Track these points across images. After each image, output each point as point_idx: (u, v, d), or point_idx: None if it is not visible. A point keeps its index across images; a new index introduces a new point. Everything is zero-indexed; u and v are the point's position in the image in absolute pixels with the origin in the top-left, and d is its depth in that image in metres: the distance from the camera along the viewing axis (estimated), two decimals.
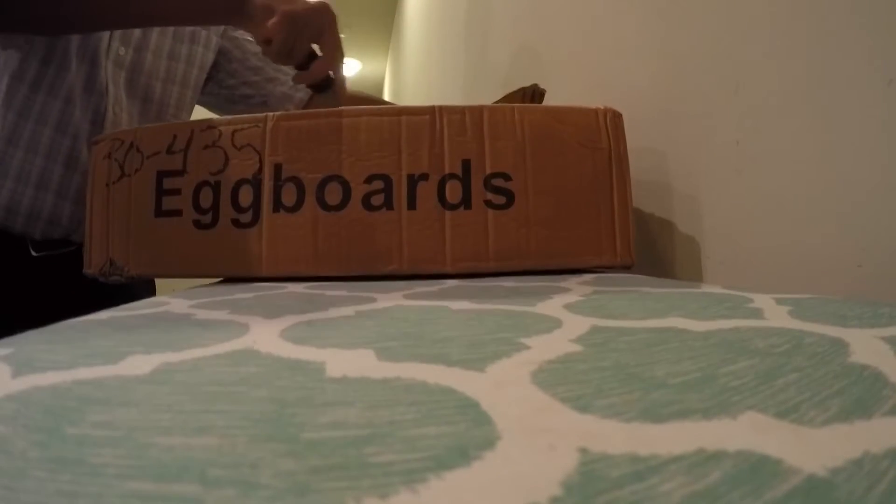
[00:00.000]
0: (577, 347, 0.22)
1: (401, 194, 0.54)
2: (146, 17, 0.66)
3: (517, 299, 0.35)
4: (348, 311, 0.32)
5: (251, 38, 0.89)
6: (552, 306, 0.32)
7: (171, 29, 0.79)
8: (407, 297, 0.38)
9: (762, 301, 0.31)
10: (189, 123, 0.57)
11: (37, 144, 0.67)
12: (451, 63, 2.02)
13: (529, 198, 0.54)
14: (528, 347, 0.22)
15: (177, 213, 0.55)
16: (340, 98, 0.68)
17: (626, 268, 0.56)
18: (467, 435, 0.13)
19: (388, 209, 0.53)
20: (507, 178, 0.54)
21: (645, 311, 0.29)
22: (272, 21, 0.60)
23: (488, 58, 1.45)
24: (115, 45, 0.72)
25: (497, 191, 0.54)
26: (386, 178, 0.54)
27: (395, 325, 0.27)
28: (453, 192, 0.54)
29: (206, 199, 0.55)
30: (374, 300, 0.36)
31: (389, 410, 0.15)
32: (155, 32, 0.77)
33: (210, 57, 0.86)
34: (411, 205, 0.53)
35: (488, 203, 0.54)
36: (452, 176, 0.54)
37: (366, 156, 0.54)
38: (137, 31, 0.75)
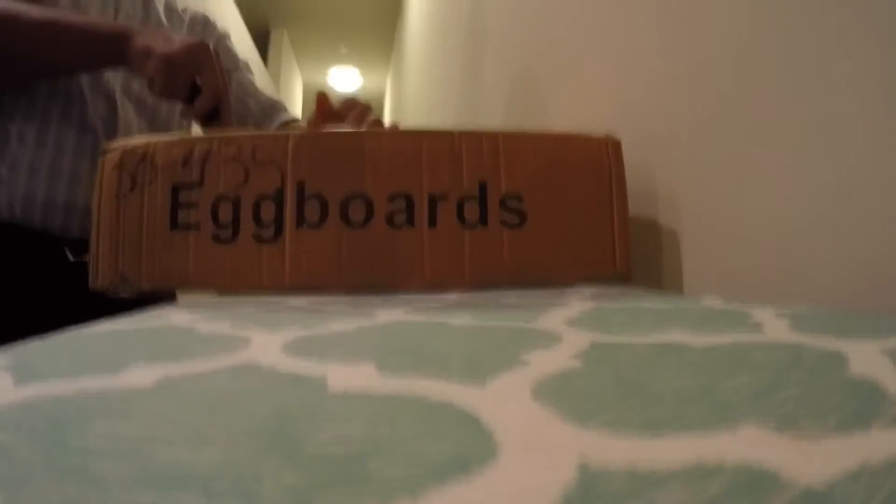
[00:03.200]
0: (576, 363, 0.22)
1: (422, 213, 0.56)
2: (37, 72, 0.72)
3: (518, 314, 0.35)
4: (350, 325, 0.32)
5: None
6: (552, 321, 0.32)
7: (162, 23, 0.84)
8: (408, 311, 0.38)
9: (762, 315, 0.31)
10: (208, 137, 0.57)
11: (63, 144, 0.73)
12: (451, 76, 2.03)
13: (541, 217, 0.58)
14: (528, 363, 0.22)
15: (194, 226, 0.55)
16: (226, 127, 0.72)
17: (625, 278, 0.59)
18: (468, 450, 0.13)
19: (410, 227, 0.55)
20: (520, 199, 0.58)
21: (644, 326, 0.29)
22: (151, 63, 0.65)
23: (487, 72, 1.47)
24: None
25: (511, 211, 0.58)
26: (408, 198, 0.56)
27: (396, 339, 0.27)
28: (471, 211, 0.57)
29: (225, 213, 0.55)
30: (375, 315, 0.36)
31: (391, 425, 0.15)
32: (151, 27, 0.81)
33: None
34: (432, 223, 0.56)
35: (503, 222, 0.57)
36: (470, 196, 0.56)
37: (388, 175, 0.56)
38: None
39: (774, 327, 0.28)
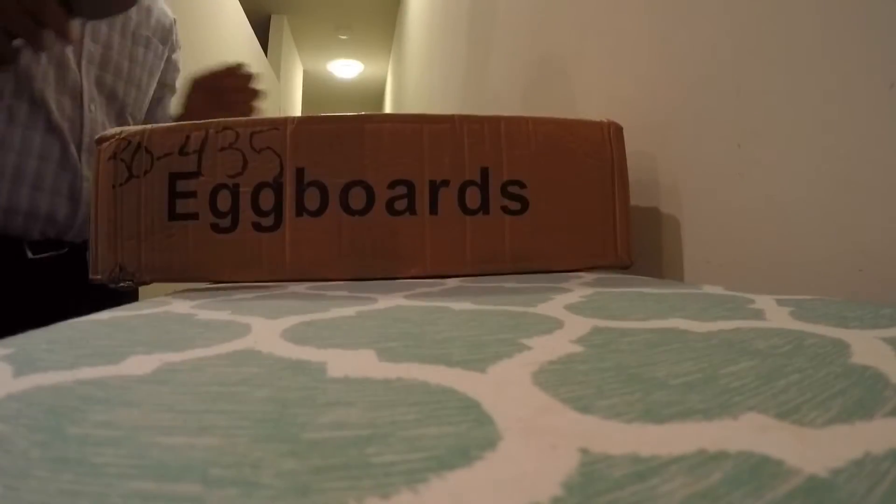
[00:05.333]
0: (578, 348, 0.22)
1: (423, 199, 0.56)
2: None
3: (518, 300, 0.35)
4: (349, 311, 0.32)
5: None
6: (553, 307, 0.32)
7: (130, 29, 0.82)
8: (408, 297, 0.38)
9: (763, 302, 0.31)
10: (204, 124, 0.56)
11: (29, 147, 0.70)
12: (453, 65, 2.02)
13: (542, 204, 0.58)
14: (529, 348, 0.22)
15: (192, 216, 0.54)
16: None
17: (625, 267, 0.59)
18: (468, 435, 0.13)
19: (412, 214, 0.55)
20: (521, 185, 0.58)
21: (646, 312, 0.29)
22: None
23: (490, 61, 1.46)
24: (87, 42, 0.76)
25: (513, 197, 0.57)
26: (409, 184, 0.56)
27: (397, 325, 0.27)
28: (472, 198, 0.57)
29: (223, 202, 0.54)
30: (375, 300, 0.36)
31: (391, 411, 0.15)
32: (117, 32, 0.80)
33: (159, 65, 0.89)
34: (433, 210, 0.56)
35: (505, 209, 0.57)
36: (472, 182, 0.56)
37: (389, 161, 0.56)
38: (105, 28, 0.78)
39: (776, 314, 0.28)
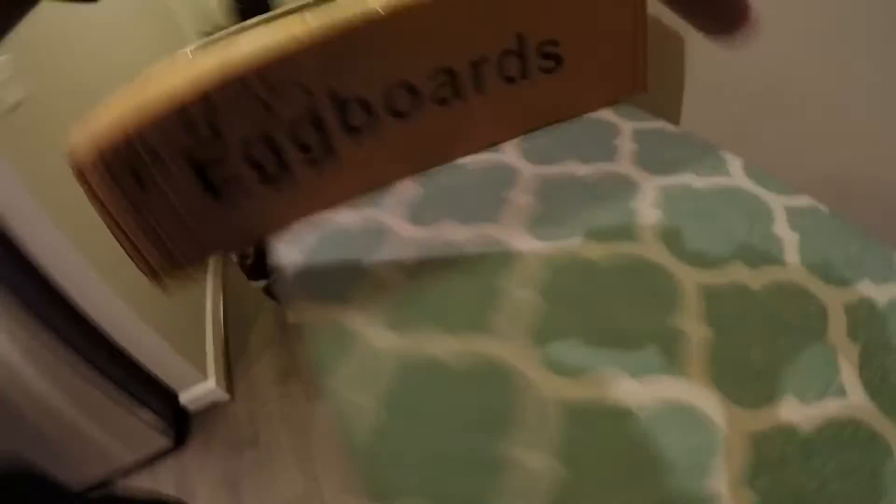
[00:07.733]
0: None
1: (466, 81, 0.54)
2: None
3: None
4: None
5: None
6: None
7: None
8: (537, 237, 0.41)
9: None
10: (198, 91, 0.45)
11: None
12: None
13: (574, 56, 0.57)
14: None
15: (234, 180, 0.47)
16: None
17: (641, 93, 0.62)
18: None
19: (459, 98, 0.54)
20: (555, 43, 0.56)
21: None
22: None
23: None
24: None
25: (549, 57, 0.57)
26: (449, 71, 0.53)
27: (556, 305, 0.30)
28: (512, 67, 0.56)
29: (263, 155, 0.48)
30: (499, 243, 0.36)
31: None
32: None
33: None
34: (479, 88, 0.55)
35: (542, 69, 0.57)
36: (509, 52, 0.56)
37: (422, 53, 0.52)
38: None
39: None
